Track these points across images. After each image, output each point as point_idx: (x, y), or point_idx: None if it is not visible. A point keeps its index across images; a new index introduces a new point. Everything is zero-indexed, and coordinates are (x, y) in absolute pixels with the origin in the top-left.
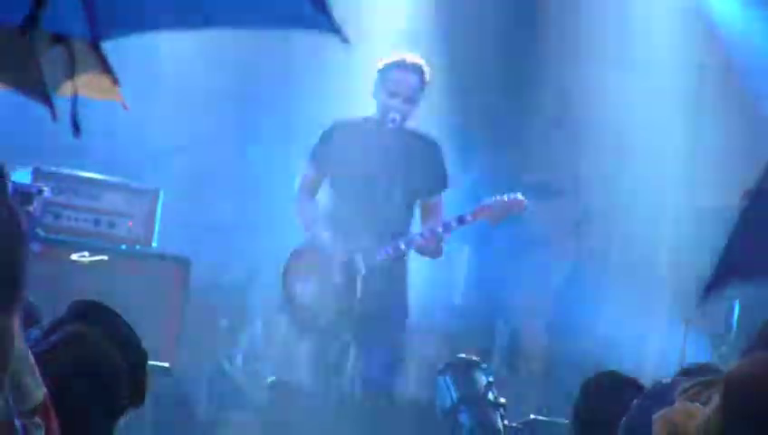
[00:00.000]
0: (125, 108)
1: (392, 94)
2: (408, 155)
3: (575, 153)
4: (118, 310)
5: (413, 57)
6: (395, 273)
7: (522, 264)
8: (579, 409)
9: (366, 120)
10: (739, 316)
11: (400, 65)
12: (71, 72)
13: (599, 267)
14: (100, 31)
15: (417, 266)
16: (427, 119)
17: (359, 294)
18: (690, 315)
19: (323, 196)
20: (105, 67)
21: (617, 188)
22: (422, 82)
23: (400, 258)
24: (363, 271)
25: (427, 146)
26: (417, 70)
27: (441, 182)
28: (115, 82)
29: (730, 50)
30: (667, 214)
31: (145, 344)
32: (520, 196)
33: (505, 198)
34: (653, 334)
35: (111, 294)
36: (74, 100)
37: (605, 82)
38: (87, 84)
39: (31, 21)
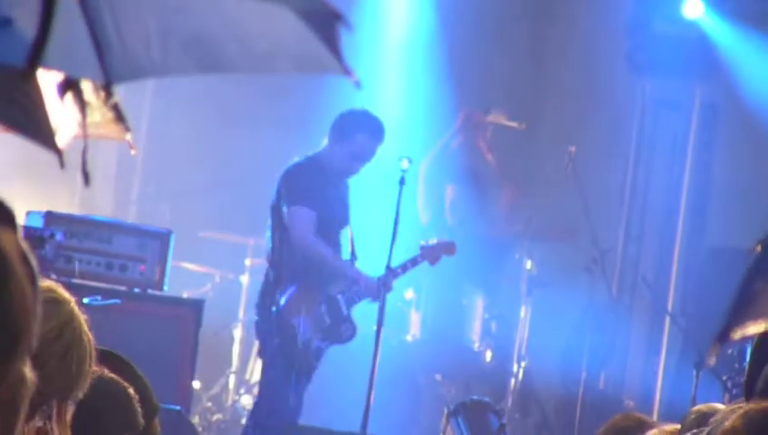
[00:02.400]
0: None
1: (356, 157)
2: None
3: (587, 195)
4: (130, 354)
5: (379, 123)
6: None
7: (535, 305)
8: None
9: (321, 166)
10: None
11: (369, 132)
12: (81, 117)
13: (610, 309)
14: (112, 74)
15: (434, 308)
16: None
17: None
18: (701, 361)
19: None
20: (118, 114)
21: (628, 228)
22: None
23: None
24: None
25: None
26: (382, 137)
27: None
28: (127, 130)
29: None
30: (678, 254)
31: (157, 388)
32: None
33: (438, 240)
34: (665, 376)
35: (124, 338)
36: (85, 148)
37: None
38: (96, 127)
39: (31, 63)
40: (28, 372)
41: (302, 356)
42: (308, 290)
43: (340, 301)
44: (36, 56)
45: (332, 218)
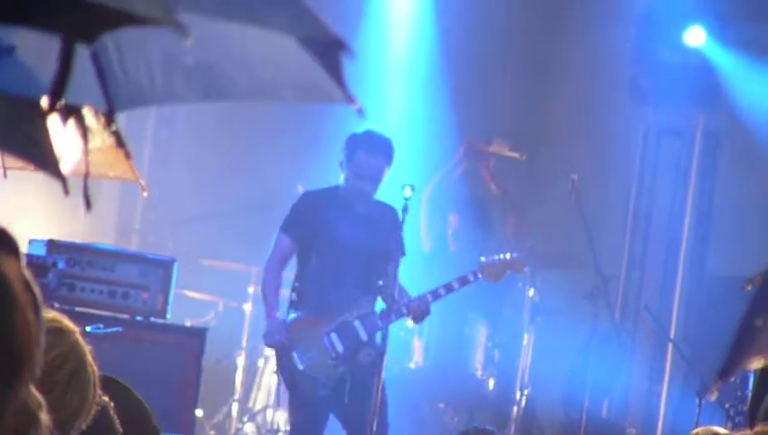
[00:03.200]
0: (143, 190)
1: (360, 176)
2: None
3: (590, 223)
4: (133, 382)
5: (379, 138)
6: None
7: (538, 333)
8: None
9: (334, 194)
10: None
11: (368, 148)
12: (83, 143)
13: (613, 336)
14: (115, 101)
15: (437, 335)
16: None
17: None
18: (704, 388)
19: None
20: (119, 140)
21: (631, 255)
22: (388, 162)
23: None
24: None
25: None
26: (383, 152)
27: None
28: (128, 156)
29: (743, 114)
30: (681, 281)
31: (160, 416)
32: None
33: (507, 256)
34: (668, 403)
35: (126, 366)
36: (86, 174)
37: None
38: (100, 161)
39: (51, 102)
40: (42, 411)
41: (311, 387)
42: (315, 317)
43: (358, 327)
44: (57, 95)
45: (340, 245)
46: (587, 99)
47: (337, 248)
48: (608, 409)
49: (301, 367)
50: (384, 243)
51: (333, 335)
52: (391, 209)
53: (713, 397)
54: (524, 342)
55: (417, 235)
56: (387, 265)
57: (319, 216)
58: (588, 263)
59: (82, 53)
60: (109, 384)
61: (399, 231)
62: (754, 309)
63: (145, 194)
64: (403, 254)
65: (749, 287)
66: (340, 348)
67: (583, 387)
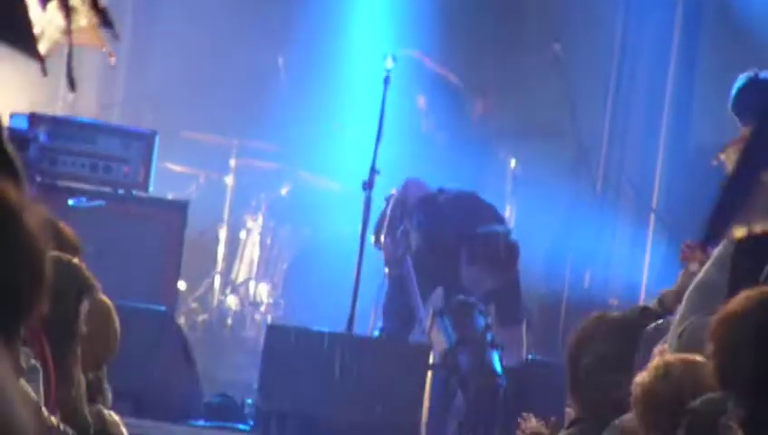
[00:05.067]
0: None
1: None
2: None
3: (572, 94)
4: (115, 255)
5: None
6: None
7: (519, 204)
8: (575, 354)
9: None
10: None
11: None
12: (66, 23)
13: (595, 207)
14: None
15: None
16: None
17: None
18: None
19: None
20: (104, 18)
21: (612, 125)
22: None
23: None
24: None
25: None
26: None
27: None
28: (116, 36)
29: None
30: (662, 151)
31: (143, 289)
32: None
33: None
34: (650, 274)
35: (109, 240)
36: (70, 54)
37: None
38: (77, 33)
39: None
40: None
41: None
42: None
43: None
44: None
45: None
46: None
47: None
48: (590, 280)
49: None
50: None
51: None
52: None
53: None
54: (506, 213)
55: (402, 108)
56: None
57: None
58: (569, 134)
59: None
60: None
61: None
62: (736, 178)
63: (112, 60)
64: None
65: (719, 158)
66: None
67: (565, 259)
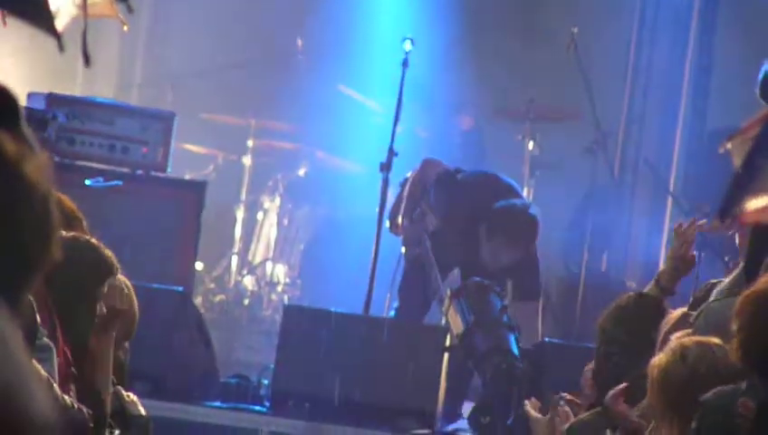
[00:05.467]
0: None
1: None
2: None
3: (589, 77)
4: (132, 235)
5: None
6: None
7: (537, 186)
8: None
9: None
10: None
11: (500, 238)
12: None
13: (612, 190)
14: None
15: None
16: (447, 51)
17: None
18: (704, 241)
19: None
20: None
21: (630, 109)
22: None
23: None
24: None
25: None
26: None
27: None
28: (130, 9)
29: None
30: (680, 135)
31: (160, 269)
32: None
33: None
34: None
35: (126, 220)
36: (85, 29)
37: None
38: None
39: None
40: None
41: None
42: None
43: None
44: None
45: None
46: None
47: None
48: (607, 263)
49: None
50: None
51: None
52: None
53: (714, 226)
54: (524, 195)
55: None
56: None
57: None
58: (587, 116)
59: None
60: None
61: None
62: (756, 151)
63: (125, 28)
64: None
65: (726, 147)
66: None
67: (582, 241)
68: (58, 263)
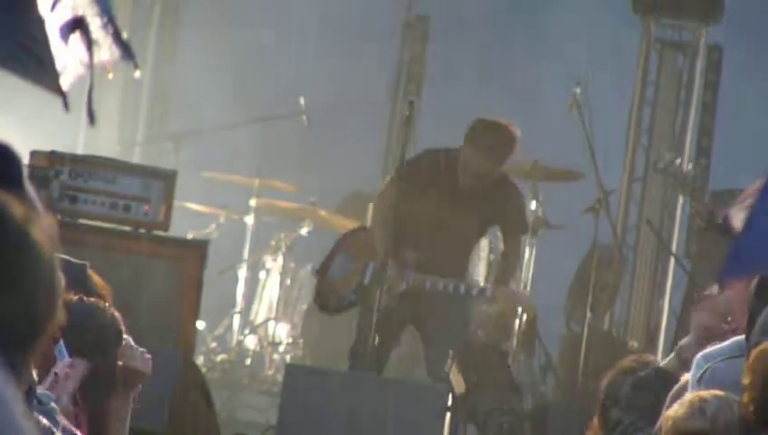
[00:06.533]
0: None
1: (463, 169)
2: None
3: (591, 134)
4: (134, 295)
5: (493, 141)
6: None
7: (539, 246)
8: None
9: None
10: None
11: (475, 145)
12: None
13: (615, 250)
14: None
15: None
16: (456, 106)
17: None
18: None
19: None
20: (126, 50)
21: (632, 169)
22: (496, 164)
23: None
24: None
25: None
26: (491, 155)
27: None
28: (135, 66)
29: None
30: (682, 196)
31: (162, 329)
32: None
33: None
34: (670, 317)
35: (128, 279)
36: (90, 87)
37: None
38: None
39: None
40: None
41: None
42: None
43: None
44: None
45: None
46: (590, 10)
47: None
48: (609, 322)
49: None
50: None
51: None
52: None
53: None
54: (527, 255)
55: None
56: None
57: None
58: (590, 176)
59: None
60: None
61: None
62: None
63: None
64: None
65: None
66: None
67: (585, 300)
68: (74, 325)
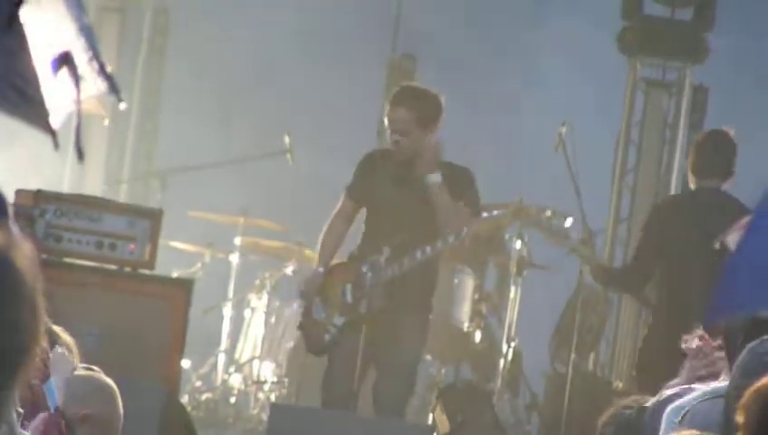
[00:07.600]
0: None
1: (390, 136)
2: None
3: (576, 174)
4: (120, 333)
5: (404, 89)
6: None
7: (525, 286)
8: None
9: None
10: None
11: (391, 100)
12: (76, 92)
13: (600, 290)
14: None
15: None
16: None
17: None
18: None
19: None
20: (111, 84)
21: (618, 208)
22: (412, 112)
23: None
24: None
25: None
26: (404, 103)
27: None
28: (120, 100)
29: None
30: None
31: (147, 367)
32: None
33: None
34: None
35: (113, 318)
36: (78, 125)
37: None
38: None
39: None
40: None
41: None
42: (339, 268)
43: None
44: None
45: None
46: (575, 50)
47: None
48: (594, 362)
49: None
50: None
51: (348, 286)
52: None
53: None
54: (511, 295)
55: None
56: None
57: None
58: (575, 216)
59: None
60: None
61: None
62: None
63: (105, 123)
64: None
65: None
66: (349, 299)
67: (570, 340)
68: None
